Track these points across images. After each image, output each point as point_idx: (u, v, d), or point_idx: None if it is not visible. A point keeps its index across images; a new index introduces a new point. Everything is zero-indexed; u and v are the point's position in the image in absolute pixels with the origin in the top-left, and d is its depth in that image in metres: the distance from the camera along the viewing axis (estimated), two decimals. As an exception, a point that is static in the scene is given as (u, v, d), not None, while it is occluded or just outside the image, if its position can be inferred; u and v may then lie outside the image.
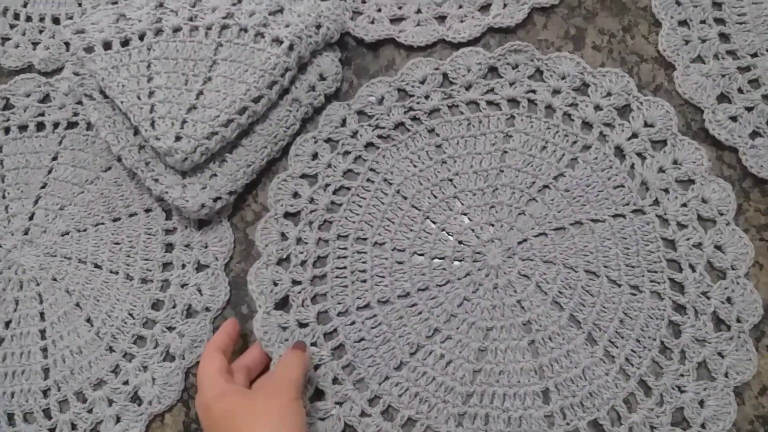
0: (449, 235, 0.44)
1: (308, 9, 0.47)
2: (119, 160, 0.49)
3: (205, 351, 0.40)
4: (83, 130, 0.51)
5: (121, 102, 0.45)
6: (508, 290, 0.42)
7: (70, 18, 0.55)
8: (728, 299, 0.40)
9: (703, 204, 0.42)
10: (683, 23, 0.47)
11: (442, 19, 0.50)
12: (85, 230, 0.48)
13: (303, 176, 0.47)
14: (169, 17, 0.48)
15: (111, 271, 0.46)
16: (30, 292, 0.47)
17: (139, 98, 0.45)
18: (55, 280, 0.47)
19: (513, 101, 0.47)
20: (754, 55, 0.45)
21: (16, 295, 0.47)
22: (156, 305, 0.45)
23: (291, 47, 0.46)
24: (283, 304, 0.44)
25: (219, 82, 0.46)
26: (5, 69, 0.54)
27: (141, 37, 0.48)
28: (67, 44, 0.54)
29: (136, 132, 0.47)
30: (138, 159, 0.46)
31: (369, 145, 0.47)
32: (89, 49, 0.47)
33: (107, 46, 0.47)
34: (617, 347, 0.40)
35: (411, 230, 0.44)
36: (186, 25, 0.48)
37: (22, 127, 0.52)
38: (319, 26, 0.47)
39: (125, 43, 0.48)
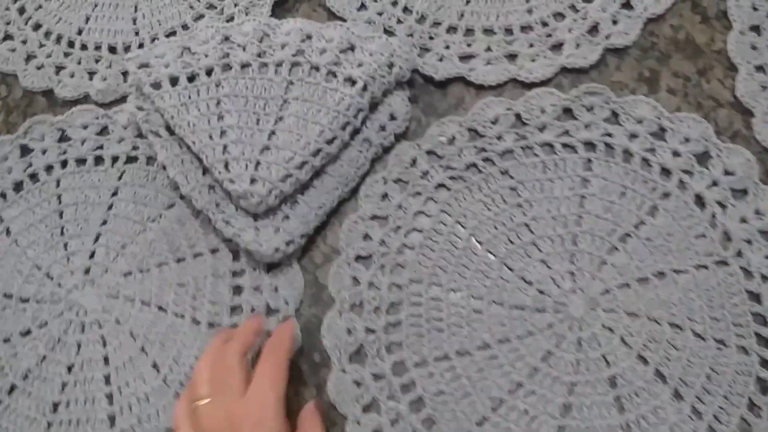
0: (528, 283, 0.43)
1: (380, 48, 0.46)
2: (182, 197, 0.47)
3: (230, 353, 0.38)
4: (143, 165, 0.49)
5: (193, 142, 0.43)
6: (592, 343, 0.41)
7: (127, 48, 0.53)
8: (818, 356, 0.39)
9: (788, 257, 0.41)
10: (760, 68, 0.46)
11: (512, 57, 0.48)
12: (148, 270, 0.46)
13: (373, 218, 0.46)
14: (237, 52, 0.46)
15: (176, 315, 0.45)
16: (93, 335, 0.45)
17: (211, 138, 0.43)
18: (118, 322, 0.45)
19: (589, 144, 0.45)
20: (835, 103, 0.44)
21: (79, 338, 0.45)
22: (225, 351, 0.43)
23: (365, 87, 0.44)
24: (356, 353, 0.42)
25: (291, 122, 0.44)
26: (60, 99, 0.52)
27: (208, 73, 0.46)
28: (124, 74, 0.52)
29: (205, 171, 0.45)
30: (208, 200, 0.44)
31: (440, 186, 0.46)
32: (156, 85, 0.45)
33: (174, 81, 0.46)
34: (704, 404, 0.39)
35: (488, 277, 0.43)
36: (255, 62, 0.46)
37: (80, 161, 0.50)
38: (391, 65, 0.46)
39: (191, 78, 0.46)
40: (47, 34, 0.55)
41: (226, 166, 0.43)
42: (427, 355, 0.42)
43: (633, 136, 0.45)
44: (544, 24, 0.49)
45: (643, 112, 0.45)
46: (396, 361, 0.42)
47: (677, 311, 0.41)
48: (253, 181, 0.42)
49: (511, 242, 0.44)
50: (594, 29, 0.48)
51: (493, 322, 0.42)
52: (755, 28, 0.47)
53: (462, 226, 0.44)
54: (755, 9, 0.48)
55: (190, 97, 0.45)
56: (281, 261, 0.45)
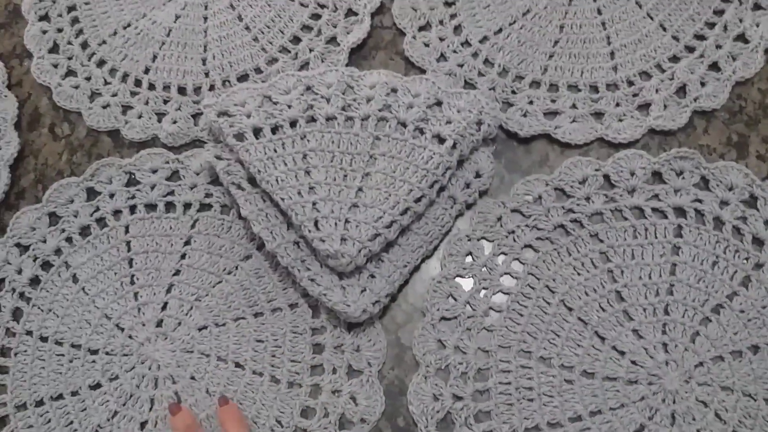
0: (621, 354, 0.43)
1: (469, 104, 0.46)
2: (259, 248, 0.48)
3: None
4: (218, 213, 0.49)
5: (282, 198, 0.44)
6: (687, 417, 0.41)
7: (197, 89, 0.53)
8: None
9: None
10: None
11: (598, 115, 0.49)
12: (224, 325, 0.46)
13: (457, 277, 0.46)
14: (321, 105, 0.47)
15: (255, 372, 0.45)
16: (167, 391, 0.45)
17: (300, 195, 0.44)
18: (193, 378, 0.45)
19: (679, 210, 0.46)
20: None
21: (152, 394, 0.45)
22: (305, 413, 0.44)
23: (454, 146, 0.45)
24: (443, 420, 0.43)
25: (378, 179, 0.45)
26: (127, 140, 0.53)
27: (292, 125, 0.47)
28: (194, 117, 0.53)
29: (289, 227, 0.45)
30: (294, 257, 0.44)
31: (527, 246, 0.47)
32: (240, 137, 0.46)
33: (257, 133, 0.46)
34: (804, 485, 0.40)
35: (579, 345, 0.44)
36: (340, 115, 0.47)
37: (150, 206, 0.50)
38: (480, 123, 0.46)
39: (275, 129, 0.47)
40: (112, 72, 0.55)
41: (316, 224, 0.43)
42: (518, 425, 0.42)
43: (724, 203, 0.46)
44: (630, 83, 0.50)
45: (735, 179, 0.46)
46: (485, 431, 0.42)
47: (773, 387, 0.42)
48: (343, 240, 0.43)
49: (603, 310, 0.44)
50: (681, 90, 0.49)
51: (585, 393, 0.43)
52: (844, 95, 0.49)
53: (551, 290, 0.45)
54: (843, 75, 0.49)
55: (275, 151, 0.45)
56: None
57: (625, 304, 0.44)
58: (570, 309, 0.45)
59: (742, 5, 0.51)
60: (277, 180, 0.44)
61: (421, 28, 0.54)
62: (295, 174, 0.45)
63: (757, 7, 0.51)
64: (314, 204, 0.44)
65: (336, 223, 0.43)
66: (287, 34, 0.54)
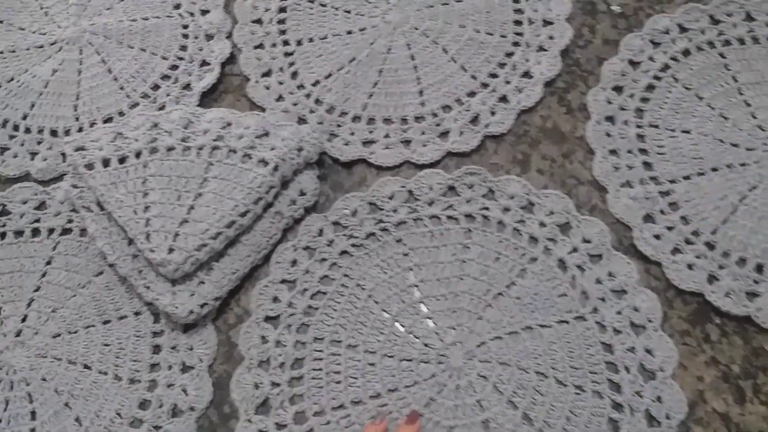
0: (416, 338, 0.50)
1: (291, 134, 0.55)
2: (111, 265, 0.54)
3: None
4: (77, 236, 0.56)
5: (119, 216, 0.51)
6: (469, 390, 0.48)
7: (68, 131, 0.61)
8: (658, 398, 0.47)
9: (634, 312, 0.50)
10: (613, 152, 0.57)
11: (407, 142, 0.58)
12: (76, 332, 0.52)
13: (283, 282, 0.53)
14: (164, 137, 0.55)
15: (100, 372, 0.50)
16: (20, 393, 0.50)
17: (135, 213, 0.51)
18: (44, 380, 0.50)
19: (469, 217, 0.54)
20: (673, 182, 0.55)
21: (7, 396, 0.50)
22: (143, 405, 0.49)
23: (276, 168, 0.53)
24: (262, 405, 0.49)
25: (209, 198, 0.52)
26: (2, 177, 0.60)
27: (137, 155, 0.54)
28: (63, 155, 0.60)
29: (130, 242, 0.52)
30: (131, 268, 0.51)
31: (343, 253, 0.54)
32: (89, 166, 0.53)
33: (106, 163, 0.54)
34: (564, 442, 0.46)
35: (382, 333, 0.51)
36: (179, 145, 0.54)
37: (18, 233, 0.57)
38: (300, 149, 0.55)
39: (122, 160, 0.54)
40: (-6, 120, 0.63)
41: (148, 237, 0.50)
42: (325, 405, 0.48)
43: (506, 209, 0.54)
44: (434, 115, 0.59)
45: (515, 189, 0.55)
46: (297, 411, 0.48)
47: (542, 361, 0.49)
48: (171, 250, 0.50)
49: (403, 302, 0.52)
50: (475, 119, 0.58)
51: (384, 374, 0.49)
52: (609, 119, 0.58)
53: (362, 288, 0.52)
54: (609, 102, 0.59)
55: (119, 177, 0.53)
56: (197, 322, 0.51)
57: (421, 296, 0.52)
58: (376, 302, 0.52)
59: (529, 48, 0.61)
60: (117, 201, 0.51)
61: (264, 75, 0.63)
62: (134, 196, 0.52)
63: (540, 48, 0.61)
64: (148, 220, 0.51)
65: (166, 236, 0.50)
66: (149, 82, 0.63)
